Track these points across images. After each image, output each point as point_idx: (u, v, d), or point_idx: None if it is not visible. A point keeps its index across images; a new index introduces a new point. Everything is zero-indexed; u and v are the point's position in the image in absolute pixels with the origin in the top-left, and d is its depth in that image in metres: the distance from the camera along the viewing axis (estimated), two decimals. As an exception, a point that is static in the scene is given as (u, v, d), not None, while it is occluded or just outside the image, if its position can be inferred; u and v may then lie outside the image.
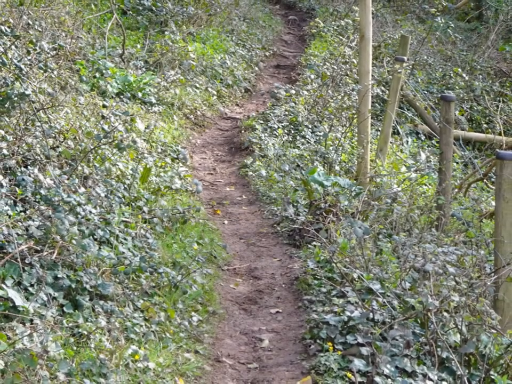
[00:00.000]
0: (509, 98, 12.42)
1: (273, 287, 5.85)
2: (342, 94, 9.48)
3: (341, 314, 4.86)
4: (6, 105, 5.83)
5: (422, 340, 4.51)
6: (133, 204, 6.40)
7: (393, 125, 8.55)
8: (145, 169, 6.97)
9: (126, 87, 9.24)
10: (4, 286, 4.37)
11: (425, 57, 13.41)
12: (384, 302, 4.89)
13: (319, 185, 6.99)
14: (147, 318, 4.76)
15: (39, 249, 4.78)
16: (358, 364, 4.35)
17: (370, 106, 7.94)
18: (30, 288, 4.52)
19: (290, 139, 9.29)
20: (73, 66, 8.81)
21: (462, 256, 5.42)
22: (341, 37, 12.95)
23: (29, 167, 5.78)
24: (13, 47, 6.79)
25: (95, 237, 5.37)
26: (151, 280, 5.16)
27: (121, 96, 9.05)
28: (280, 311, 5.44)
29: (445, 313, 4.53)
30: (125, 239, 5.62)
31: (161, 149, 8.21)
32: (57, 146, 6.42)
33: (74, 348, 4.19)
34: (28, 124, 6.27)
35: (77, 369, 4.00)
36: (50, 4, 9.64)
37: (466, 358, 4.41)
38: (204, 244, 6.29)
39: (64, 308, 4.53)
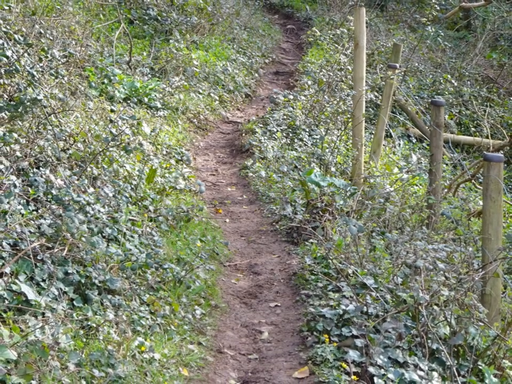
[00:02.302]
0: (496, 103, 12.42)
1: (272, 282, 5.84)
2: (338, 99, 9.48)
3: (337, 308, 4.86)
4: (19, 110, 5.83)
5: (413, 332, 4.51)
6: (139, 203, 6.40)
7: (386, 128, 8.54)
8: (151, 170, 6.97)
9: (133, 92, 9.24)
10: (17, 281, 4.37)
11: (417, 64, 13.41)
12: (377, 296, 4.89)
13: (316, 186, 6.99)
14: (153, 311, 4.76)
15: (50, 246, 4.78)
16: (352, 355, 4.34)
17: (364, 111, 7.94)
18: (42, 283, 4.52)
19: (289, 142, 9.29)
20: (82, 73, 8.80)
21: (451, 253, 5.42)
22: (336, 45, 12.94)
23: (41, 168, 5.78)
24: (25, 54, 6.79)
25: (104, 234, 5.36)
26: (156, 276, 5.16)
27: (128, 101, 9.05)
28: (279, 305, 5.44)
29: (435, 307, 4.53)
30: (132, 236, 5.61)
31: (166, 151, 8.20)
32: (68, 149, 6.41)
33: (84, 340, 4.19)
34: (39, 127, 6.26)
35: (86, 359, 4.00)
36: (61, 14, 9.63)
37: (455, 349, 4.41)
38: (207, 241, 6.28)
39: (74, 302, 4.52)
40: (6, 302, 4.24)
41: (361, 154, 7.77)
